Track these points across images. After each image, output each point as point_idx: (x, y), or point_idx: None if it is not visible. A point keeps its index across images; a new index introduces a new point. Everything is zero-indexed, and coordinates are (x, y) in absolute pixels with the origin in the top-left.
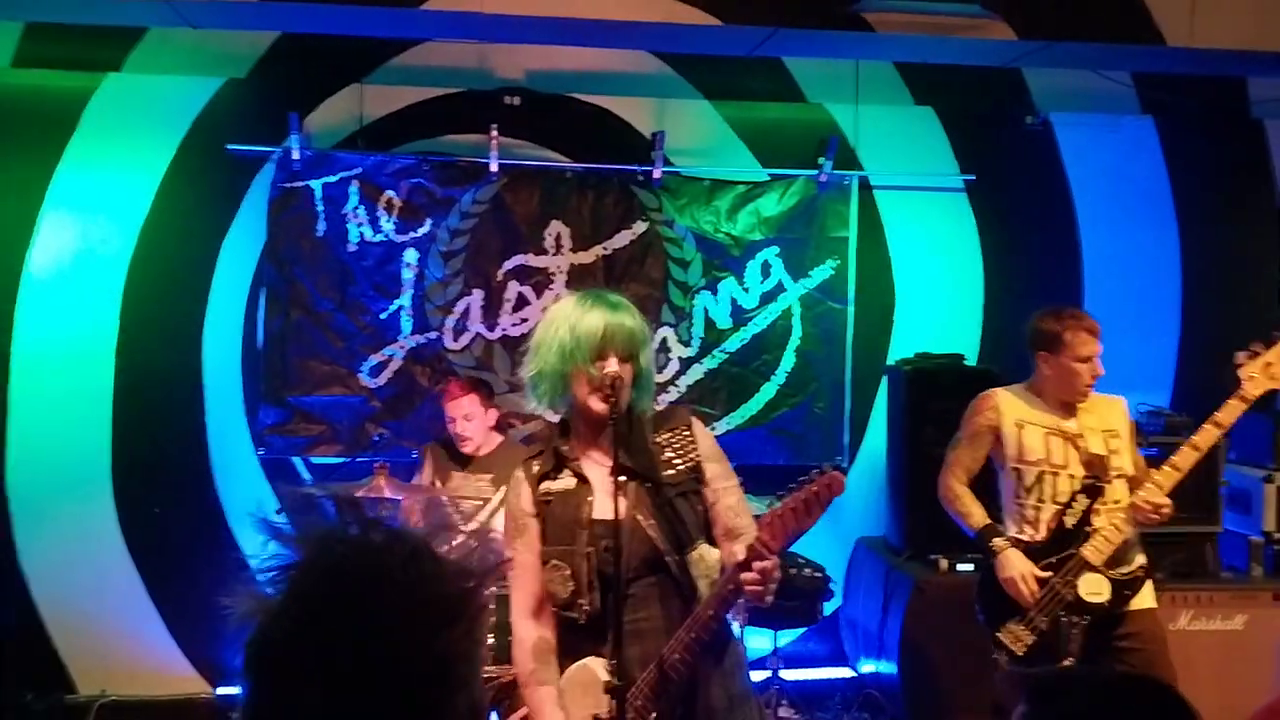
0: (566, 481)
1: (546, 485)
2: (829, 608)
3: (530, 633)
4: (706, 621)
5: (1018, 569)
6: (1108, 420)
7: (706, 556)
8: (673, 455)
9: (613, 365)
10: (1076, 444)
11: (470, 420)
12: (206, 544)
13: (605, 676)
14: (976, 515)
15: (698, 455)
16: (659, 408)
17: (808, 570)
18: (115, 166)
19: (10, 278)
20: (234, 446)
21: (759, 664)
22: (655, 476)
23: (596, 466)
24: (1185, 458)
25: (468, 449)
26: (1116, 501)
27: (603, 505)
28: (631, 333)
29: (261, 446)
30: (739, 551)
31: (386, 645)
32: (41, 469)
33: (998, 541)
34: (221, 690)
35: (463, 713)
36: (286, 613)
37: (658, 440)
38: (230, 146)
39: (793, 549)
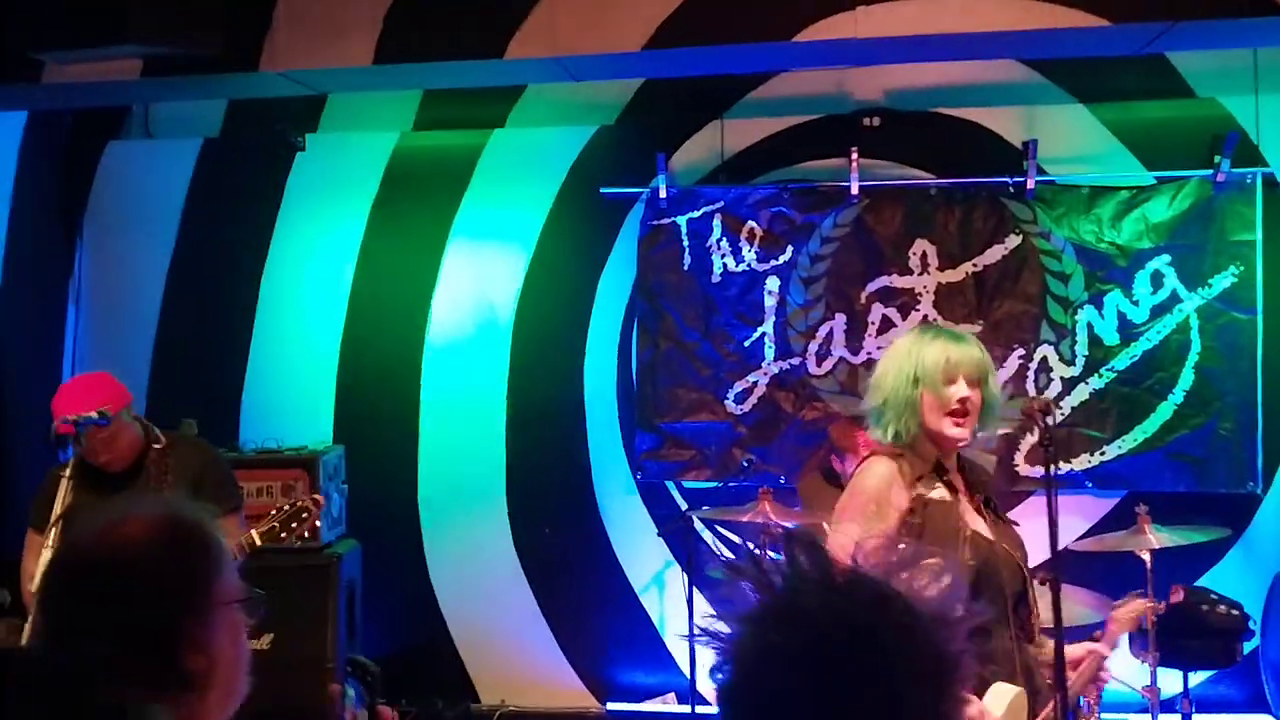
0: (941, 491)
1: (920, 490)
2: (1247, 648)
3: None
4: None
5: None
6: None
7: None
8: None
9: (962, 388)
10: None
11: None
12: (592, 563)
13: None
14: None
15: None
16: None
17: (1222, 607)
18: (504, 214)
19: (420, 317)
20: (613, 470)
21: (1168, 706)
22: (999, 509)
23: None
24: None
25: None
26: None
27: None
28: (978, 360)
29: (638, 471)
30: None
31: (889, 704)
32: (446, 493)
33: None
34: (611, 706)
35: None
36: (771, 657)
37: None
38: (604, 189)
39: (1203, 584)
